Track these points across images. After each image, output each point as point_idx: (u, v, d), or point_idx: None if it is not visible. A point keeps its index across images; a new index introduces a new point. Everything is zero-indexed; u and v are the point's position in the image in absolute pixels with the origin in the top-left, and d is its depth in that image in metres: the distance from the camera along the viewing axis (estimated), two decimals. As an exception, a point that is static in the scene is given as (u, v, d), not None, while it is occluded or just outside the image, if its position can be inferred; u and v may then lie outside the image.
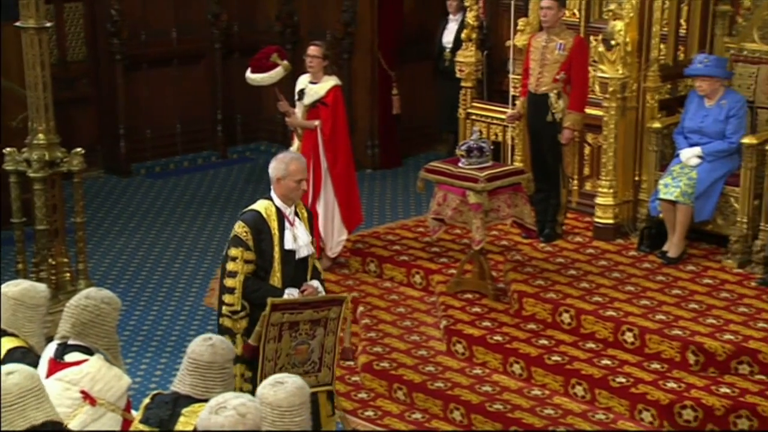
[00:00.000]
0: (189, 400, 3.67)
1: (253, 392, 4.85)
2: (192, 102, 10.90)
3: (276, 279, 5.17)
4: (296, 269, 5.22)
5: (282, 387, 3.42)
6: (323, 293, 5.30)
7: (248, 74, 7.79)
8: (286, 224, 5.18)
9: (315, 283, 5.30)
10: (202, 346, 3.68)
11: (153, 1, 10.52)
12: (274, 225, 5.15)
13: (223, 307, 5.15)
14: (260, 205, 5.18)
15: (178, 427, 3.64)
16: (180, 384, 3.70)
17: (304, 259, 5.27)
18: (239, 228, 5.12)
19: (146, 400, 3.79)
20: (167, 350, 7.03)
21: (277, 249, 5.14)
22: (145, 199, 9.94)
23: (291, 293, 5.16)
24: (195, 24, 10.80)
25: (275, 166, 5.18)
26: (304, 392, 3.46)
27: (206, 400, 3.46)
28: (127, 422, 3.95)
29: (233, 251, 5.11)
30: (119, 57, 10.28)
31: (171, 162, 10.82)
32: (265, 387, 3.45)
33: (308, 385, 5.01)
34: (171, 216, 9.52)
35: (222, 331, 5.15)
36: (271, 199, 5.19)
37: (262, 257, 5.14)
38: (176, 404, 3.67)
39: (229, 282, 5.12)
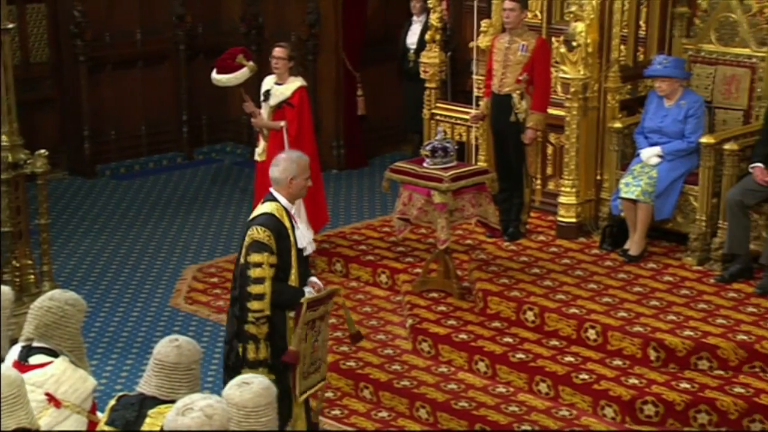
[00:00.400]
0: (155, 401, 3.68)
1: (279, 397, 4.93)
2: (157, 103, 10.88)
3: (293, 278, 5.19)
4: (304, 267, 5.30)
5: (248, 387, 3.45)
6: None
7: (214, 75, 7.81)
8: (293, 223, 5.23)
9: (315, 279, 5.41)
10: (168, 347, 3.70)
11: (117, 2, 10.49)
12: (288, 225, 5.16)
13: (250, 314, 5.11)
14: (270, 208, 5.15)
15: (145, 428, 3.65)
16: (146, 385, 3.72)
17: (307, 257, 5.35)
18: (261, 233, 5.07)
19: (112, 402, 3.80)
20: (133, 352, 7.02)
21: (293, 249, 5.17)
22: (110, 201, 9.91)
23: (310, 291, 5.22)
24: (159, 25, 10.78)
25: (286, 167, 5.17)
26: (270, 392, 3.49)
27: (172, 401, 3.49)
28: (92, 424, 3.95)
29: (257, 257, 5.06)
30: (83, 58, 10.23)
31: (136, 163, 10.80)
32: (231, 388, 3.48)
33: (315, 381, 5.16)
34: (136, 217, 9.49)
35: (247, 337, 5.15)
36: (275, 200, 5.18)
37: (282, 258, 5.13)
38: (142, 405, 3.69)
39: (257, 288, 5.08)
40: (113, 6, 10.47)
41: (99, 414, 3.99)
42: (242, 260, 5.11)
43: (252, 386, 3.45)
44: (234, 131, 11.30)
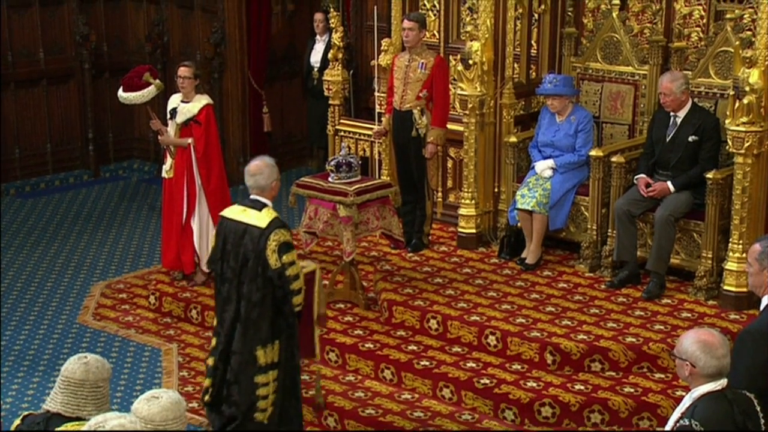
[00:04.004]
0: (61, 418, 3.66)
1: (282, 393, 5.45)
2: (62, 121, 10.80)
3: None
4: None
5: (156, 402, 3.46)
6: None
7: (120, 93, 7.79)
8: None
9: None
10: (76, 363, 3.70)
11: (18, 21, 10.39)
12: None
13: (295, 309, 5.46)
14: (271, 212, 5.44)
15: (51, 447, 3.63)
16: (52, 402, 3.71)
17: None
18: (287, 235, 5.38)
19: (17, 422, 3.78)
20: (39, 370, 6.96)
21: None
22: (16, 219, 9.80)
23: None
24: (63, 44, 10.71)
25: (270, 173, 5.47)
26: (180, 407, 3.52)
27: (78, 419, 3.50)
28: (-4, 445, 3.95)
29: (290, 257, 5.36)
30: (-16, 77, 10.13)
31: (42, 181, 10.70)
32: (140, 402, 3.49)
33: None
34: (42, 235, 9.41)
35: (274, 337, 5.42)
36: (266, 205, 5.47)
37: None
38: (48, 424, 3.66)
39: (296, 284, 5.38)
40: (15, 25, 10.37)
41: (4, 434, 3.99)
42: (276, 264, 5.32)
43: (161, 400, 3.47)
44: (141, 149, 11.26)
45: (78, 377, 3.66)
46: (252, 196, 5.50)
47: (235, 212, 5.54)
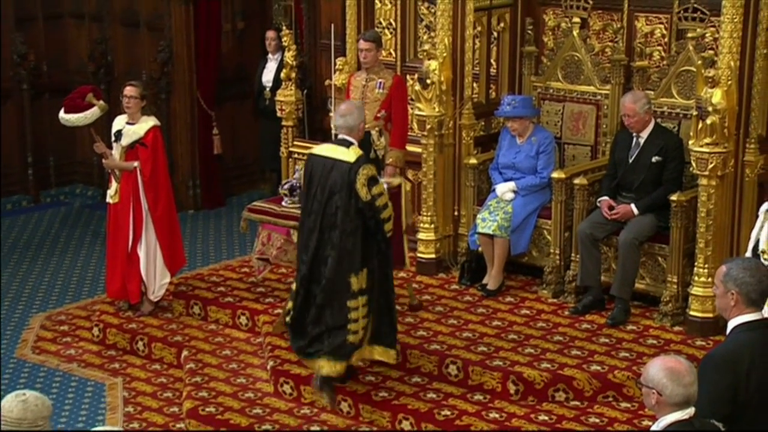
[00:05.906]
0: None
1: (377, 314, 6.14)
2: (-1, 145, 10.50)
3: None
4: None
5: None
6: None
7: (62, 114, 7.62)
8: None
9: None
10: (13, 401, 3.59)
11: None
12: None
13: (387, 234, 6.08)
14: (357, 150, 6.04)
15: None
16: None
17: None
18: (373, 169, 6.04)
19: None
20: (-24, 407, 6.68)
21: None
22: (-50, 247, 9.45)
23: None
24: (-1, 64, 10.44)
25: (359, 115, 6.16)
26: None
27: None
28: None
29: (378, 188, 6.00)
30: None
31: (-23, 208, 10.37)
32: None
33: None
34: (-21, 264, 9.09)
35: (364, 262, 6.01)
36: (352, 143, 6.07)
37: None
38: None
39: (386, 213, 6.02)
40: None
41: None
42: (367, 196, 5.92)
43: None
44: (84, 173, 11.04)
45: (15, 416, 3.55)
46: (340, 136, 6.10)
47: (323, 149, 6.17)
